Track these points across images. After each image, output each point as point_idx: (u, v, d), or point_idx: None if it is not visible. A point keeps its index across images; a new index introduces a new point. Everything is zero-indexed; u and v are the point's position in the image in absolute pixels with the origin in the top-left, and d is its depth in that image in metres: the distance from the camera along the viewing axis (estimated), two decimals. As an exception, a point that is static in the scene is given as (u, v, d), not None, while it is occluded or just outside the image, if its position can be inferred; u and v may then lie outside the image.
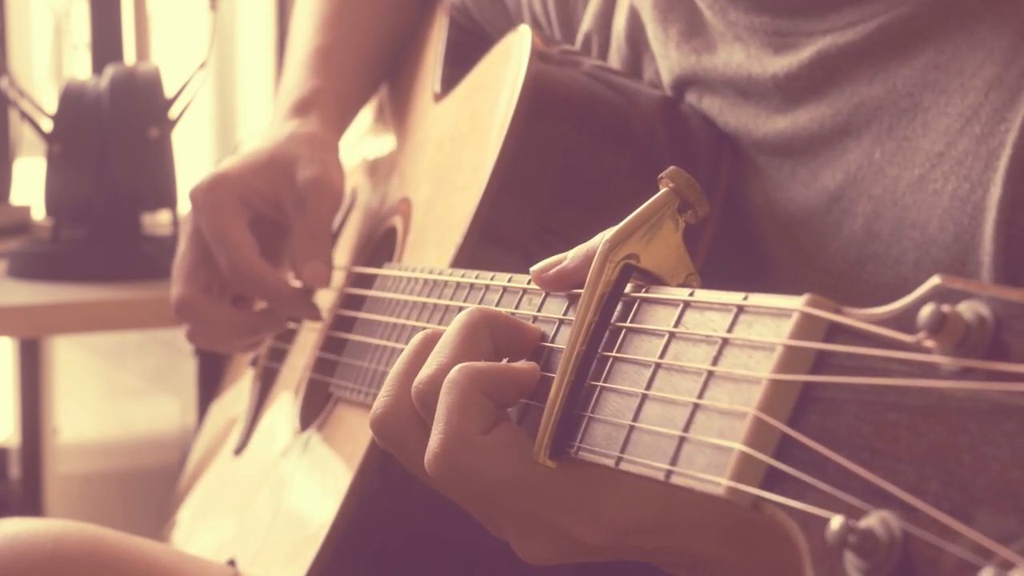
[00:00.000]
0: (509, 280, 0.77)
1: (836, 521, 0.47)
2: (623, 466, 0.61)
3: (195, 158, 2.43)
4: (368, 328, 0.98)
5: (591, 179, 0.92)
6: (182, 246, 1.12)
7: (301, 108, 1.16)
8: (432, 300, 0.86)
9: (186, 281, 1.10)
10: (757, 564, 0.65)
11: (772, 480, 0.52)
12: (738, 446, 0.53)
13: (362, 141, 1.31)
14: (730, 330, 0.57)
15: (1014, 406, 0.44)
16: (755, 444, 0.53)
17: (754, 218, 0.91)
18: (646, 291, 0.65)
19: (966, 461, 0.45)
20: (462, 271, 0.83)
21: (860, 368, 0.50)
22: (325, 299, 1.14)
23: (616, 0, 1.02)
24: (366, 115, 1.30)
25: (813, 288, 0.57)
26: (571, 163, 0.92)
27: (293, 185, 1.09)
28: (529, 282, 0.73)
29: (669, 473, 0.57)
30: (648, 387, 0.61)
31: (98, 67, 1.76)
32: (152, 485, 2.01)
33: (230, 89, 2.54)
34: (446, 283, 0.84)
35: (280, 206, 1.10)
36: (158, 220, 1.84)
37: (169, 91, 1.68)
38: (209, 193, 1.08)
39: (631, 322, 0.64)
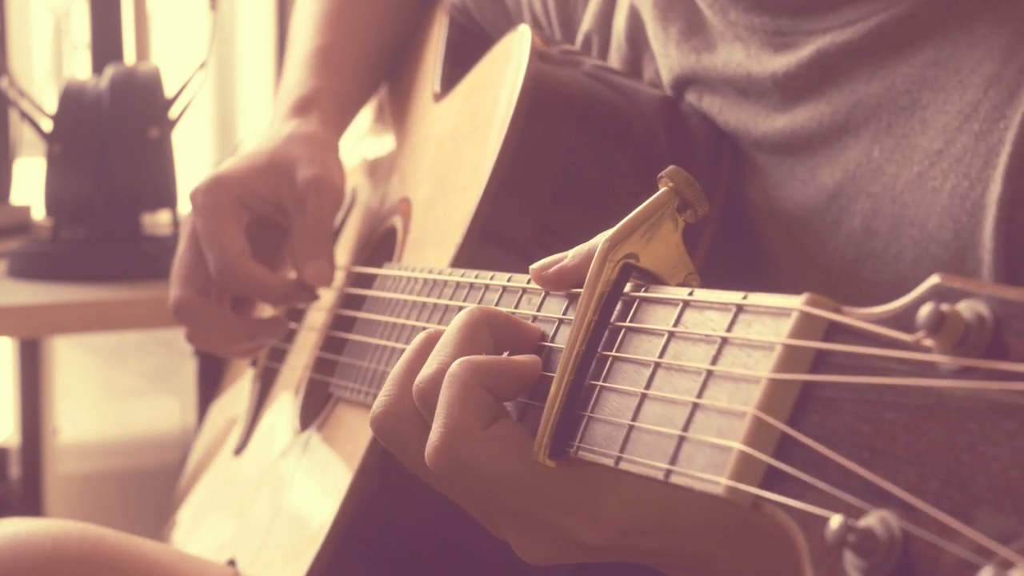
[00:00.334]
0: (509, 280, 0.77)
1: (835, 520, 0.47)
2: (623, 465, 0.61)
3: (195, 158, 2.43)
4: (368, 328, 0.98)
5: (591, 179, 0.92)
6: (181, 247, 1.11)
7: (301, 108, 1.16)
8: (432, 300, 0.86)
9: (184, 283, 1.10)
10: (757, 564, 0.65)
11: (772, 479, 0.52)
12: (738, 445, 0.53)
13: (362, 141, 1.31)
14: (729, 329, 0.57)
15: (1014, 405, 0.44)
16: (754, 443, 0.52)
17: (753, 217, 0.91)
18: (646, 290, 0.65)
19: (966, 460, 0.45)
20: (462, 271, 0.83)
21: (859, 367, 0.50)
22: (325, 299, 1.14)
23: (616, 0, 1.03)
24: (366, 115, 1.30)
25: (812, 286, 0.57)
26: (571, 163, 0.92)
27: (293, 185, 1.09)
28: (529, 281, 0.73)
29: (669, 473, 0.57)
30: (648, 386, 0.61)
31: (98, 67, 1.76)
32: (152, 485, 2.00)
33: (230, 89, 2.54)
34: (446, 283, 0.84)
35: (280, 207, 1.10)
36: (158, 220, 1.84)
37: (169, 91, 1.68)
38: (208, 195, 1.08)
39: (631, 321, 0.64)
